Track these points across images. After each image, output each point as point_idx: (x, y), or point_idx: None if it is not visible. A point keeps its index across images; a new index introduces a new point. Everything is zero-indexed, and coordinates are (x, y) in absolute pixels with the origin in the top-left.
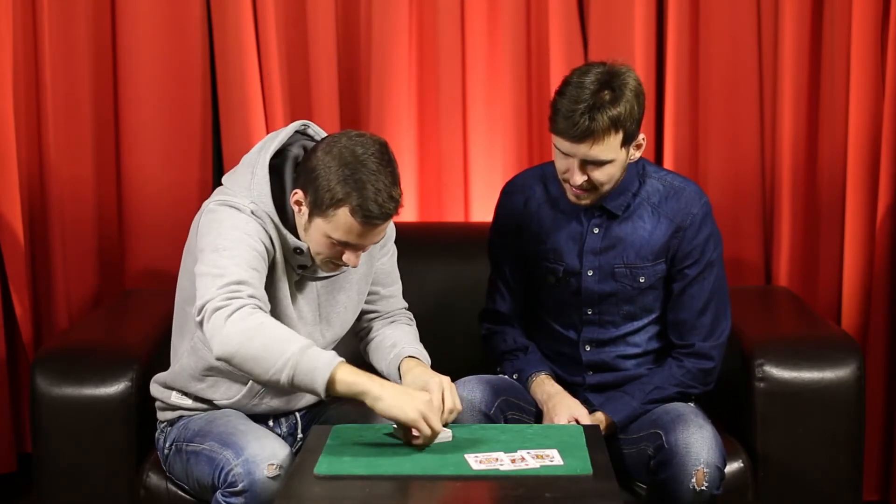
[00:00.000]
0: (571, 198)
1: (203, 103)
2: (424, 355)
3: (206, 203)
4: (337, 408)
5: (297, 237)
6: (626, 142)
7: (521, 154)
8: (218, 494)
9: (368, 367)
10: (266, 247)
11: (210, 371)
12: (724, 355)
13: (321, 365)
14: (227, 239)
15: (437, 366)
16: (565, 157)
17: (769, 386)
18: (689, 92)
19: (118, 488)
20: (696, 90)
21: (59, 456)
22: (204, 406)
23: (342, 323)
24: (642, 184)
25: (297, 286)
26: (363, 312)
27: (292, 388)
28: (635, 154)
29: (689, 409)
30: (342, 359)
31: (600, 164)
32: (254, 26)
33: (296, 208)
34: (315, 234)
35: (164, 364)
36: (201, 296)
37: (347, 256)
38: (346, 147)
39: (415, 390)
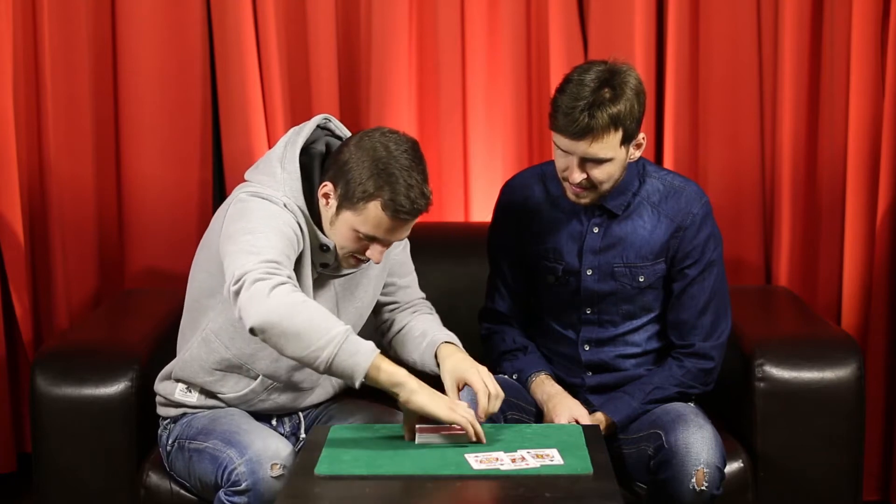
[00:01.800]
0: (571, 196)
1: (203, 103)
2: (457, 340)
3: (234, 193)
4: (339, 408)
5: (325, 234)
6: (626, 140)
7: (521, 154)
8: (221, 493)
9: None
10: (298, 238)
11: (220, 365)
12: (725, 355)
13: (364, 350)
14: (261, 223)
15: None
16: (565, 154)
17: (769, 386)
18: (689, 92)
19: (118, 488)
20: (696, 90)
21: (59, 456)
22: (208, 404)
23: (358, 318)
24: (642, 183)
25: (317, 283)
26: (382, 305)
27: (326, 371)
28: (635, 153)
29: (689, 409)
30: (376, 349)
31: (599, 162)
32: (254, 26)
33: (323, 201)
34: (342, 227)
35: (165, 363)
36: (238, 267)
37: (372, 251)
38: (379, 142)
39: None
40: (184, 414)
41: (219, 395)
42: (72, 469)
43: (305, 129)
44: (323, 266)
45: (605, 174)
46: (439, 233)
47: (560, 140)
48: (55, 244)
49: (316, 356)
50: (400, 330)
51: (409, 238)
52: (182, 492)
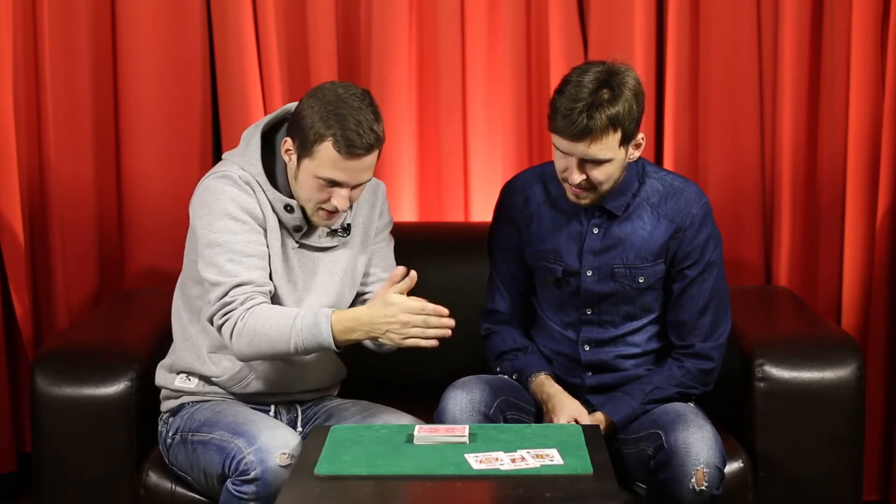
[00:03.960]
0: (571, 197)
1: (203, 103)
2: None
3: (205, 175)
4: (338, 407)
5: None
6: (625, 141)
7: (521, 154)
8: (228, 483)
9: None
10: (255, 218)
11: (212, 347)
12: (724, 355)
13: (321, 323)
14: (219, 231)
15: (437, 365)
16: (564, 155)
17: (769, 386)
18: (689, 92)
19: (118, 488)
20: (696, 90)
21: (59, 456)
22: (207, 390)
23: (337, 294)
24: (642, 184)
25: (297, 256)
26: (360, 294)
27: (306, 354)
28: (634, 153)
29: (689, 409)
30: (328, 311)
31: (599, 162)
32: (254, 26)
33: (286, 159)
34: (304, 178)
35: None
36: (207, 306)
37: (336, 198)
38: (328, 89)
39: (378, 308)
40: (182, 406)
41: (213, 379)
42: (72, 469)
43: (277, 111)
44: (297, 230)
45: (604, 175)
46: (439, 233)
47: (559, 141)
48: (55, 244)
49: (291, 351)
50: None
51: (409, 239)
52: (183, 490)
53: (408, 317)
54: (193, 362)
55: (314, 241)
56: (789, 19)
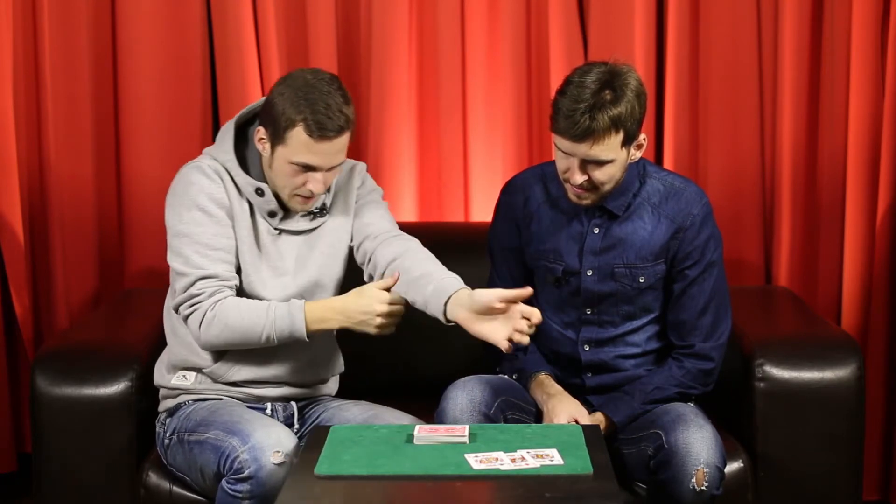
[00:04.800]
0: (572, 198)
1: (203, 103)
2: (460, 281)
3: None
4: (337, 408)
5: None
6: (627, 142)
7: (521, 154)
8: (223, 482)
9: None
10: (224, 205)
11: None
12: (725, 355)
13: (294, 314)
14: (185, 221)
15: (437, 365)
16: (566, 156)
17: (769, 386)
18: (689, 92)
19: (118, 488)
20: (696, 90)
21: (59, 456)
22: (204, 386)
23: (320, 273)
24: (643, 184)
25: (280, 242)
26: (357, 245)
27: (281, 343)
28: (636, 154)
29: (689, 409)
30: (302, 302)
31: (601, 163)
32: (254, 26)
33: (260, 148)
34: (279, 165)
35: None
36: (173, 296)
37: (312, 183)
38: (297, 76)
39: (352, 299)
40: (179, 406)
41: (203, 371)
42: (72, 469)
43: (251, 104)
44: (272, 215)
45: (606, 175)
46: (439, 233)
47: (561, 142)
48: (55, 244)
49: (262, 341)
50: (388, 265)
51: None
52: (182, 491)
53: (382, 307)
54: (187, 355)
55: (293, 225)
56: (789, 19)
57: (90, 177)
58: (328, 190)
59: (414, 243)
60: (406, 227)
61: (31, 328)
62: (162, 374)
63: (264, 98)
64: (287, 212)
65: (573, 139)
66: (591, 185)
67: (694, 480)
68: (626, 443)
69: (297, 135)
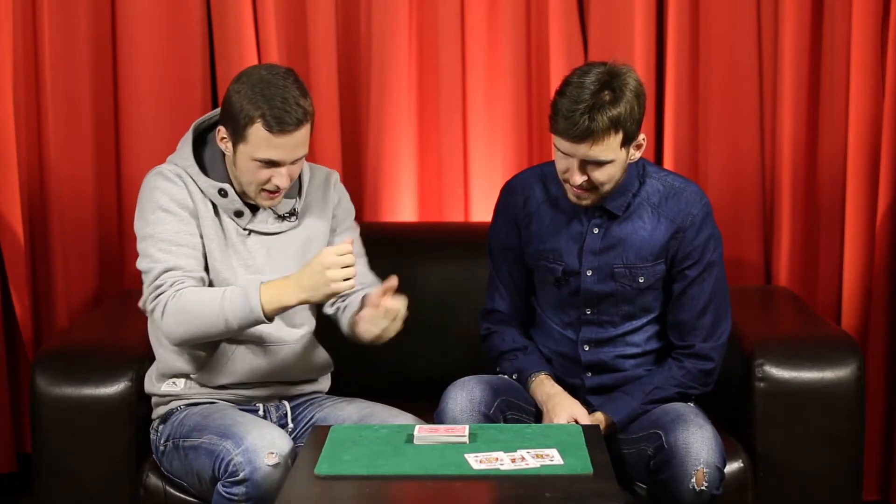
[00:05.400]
0: (572, 198)
1: (203, 103)
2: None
3: None
4: (331, 406)
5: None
6: (626, 142)
7: (521, 154)
8: (219, 486)
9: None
10: (187, 205)
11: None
12: (725, 355)
13: (250, 295)
14: (150, 223)
15: (437, 365)
16: (565, 157)
17: (769, 386)
18: (689, 92)
19: (118, 488)
20: (696, 90)
21: (59, 456)
22: (194, 391)
23: (289, 271)
24: (642, 184)
25: (249, 243)
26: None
27: (243, 331)
28: (635, 154)
29: (688, 409)
30: (258, 282)
31: (600, 164)
32: (254, 26)
33: (223, 147)
34: (242, 162)
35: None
36: (142, 295)
37: (277, 178)
38: (252, 73)
39: (305, 265)
40: (171, 412)
41: (191, 377)
42: (72, 469)
43: (211, 112)
44: (238, 215)
45: (606, 176)
46: (439, 233)
47: (560, 143)
48: (55, 244)
49: (222, 326)
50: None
51: (409, 239)
52: (181, 495)
53: (329, 258)
54: (174, 362)
55: (262, 227)
56: (789, 19)
57: (90, 177)
58: (299, 195)
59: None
60: (406, 227)
61: (31, 328)
62: (152, 383)
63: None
64: (254, 212)
65: (572, 140)
66: (591, 186)
67: (694, 480)
68: (625, 443)
69: (257, 131)
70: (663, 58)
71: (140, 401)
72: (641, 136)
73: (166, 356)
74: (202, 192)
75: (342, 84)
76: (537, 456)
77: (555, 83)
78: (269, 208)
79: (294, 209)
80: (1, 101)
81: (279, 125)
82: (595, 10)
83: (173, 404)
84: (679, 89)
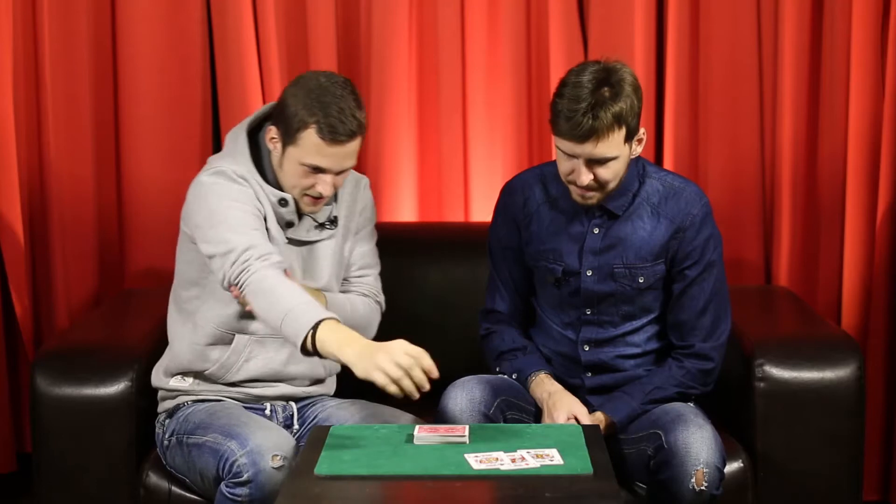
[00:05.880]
0: (577, 199)
1: (203, 103)
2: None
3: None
4: (335, 407)
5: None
6: (629, 137)
7: (521, 154)
8: (222, 486)
9: None
10: (256, 206)
11: (207, 340)
12: (725, 355)
13: (303, 325)
14: (219, 210)
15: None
16: (569, 158)
17: (769, 386)
18: (689, 92)
19: (118, 488)
20: (696, 90)
21: (59, 456)
22: (202, 388)
23: (325, 280)
24: (642, 184)
25: (286, 249)
26: (344, 280)
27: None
28: (637, 149)
29: (688, 409)
30: (328, 316)
31: (605, 161)
32: (254, 26)
33: (271, 147)
34: (289, 165)
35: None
36: (220, 276)
37: (321, 185)
38: (311, 78)
39: (382, 344)
40: (178, 407)
41: (206, 373)
42: (72, 469)
43: (261, 110)
44: (288, 225)
45: (611, 173)
46: (439, 233)
47: (564, 144)
48: (55, 244)
49: (275, 326)
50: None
51: (409, 239)
52: (181, 491)
53: (400, 355)
54: (188, 361)
55: (302, 234)
56: (789, 19)
57: (90, 177)
58: (335, 199)
59: (359, 300)
60: (406, 227)
61: (31, 328)
62: (160, 377)
63: (268, 105)
64: (298, 221)
65: (577, 140)
66: (597, 184)
67: (694, 480)
68: (625, 443)
69: (309, 136)
70: (663, 57)
71: (141, 399)
72: (642, 131)
73: (182, 354)
74: (267, 197)
75: None
76: (537, 456)
77: (555, 83)
78: (310, 216)
79: (334, 217)
80: (1, 101)
81: (332, 134)
82: (595, 10)
83: (180, 399)
84: (679, 89)
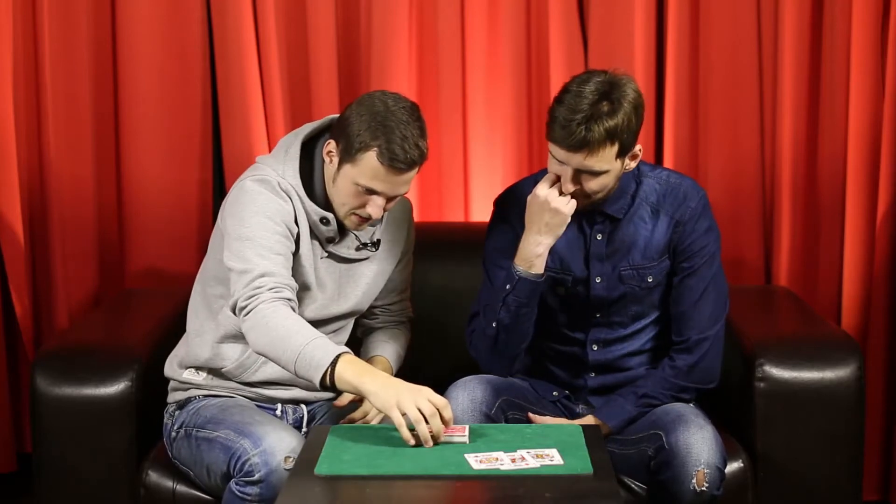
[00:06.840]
0: None
1: (203, 103)
2: (393, 358)
3: (242, 175)
4: (342, 408)
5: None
6: (622, 153)
7: (521, 154)
8: (232, 483)
9: None
10: (288, 226)
11: (225, 337)
12: (724, 355)
13: (320, 364)
14: (250, 226)
15: (437, 365)
16: (559, 164)
17: (769, 386)
18: (689, 92)
19: (118, 488)
20: (696, 90)
21: (59, 456)
22: (214, 383)
23: (356, 299)
24: (639, 184)
25: (323, 265)
26: (367, 311)
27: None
28: (630, 164)
29: (689, 409)
30: (343, 351)
31: (594, 174)
32: (254, 26)
33: (327, 160)
34: (343, 182)
35: (165, 364)
36: (232, 292)
37: (371, 206)
38: (378, 99)
39: (408, 384)
40: (189, 400)
41: (222, 370)
42: (72, 469)
43: (318, 122)
44: (329, 241)
45: (598, 185)
46: (439, 233)
47: (556, 150)
48: (55, 244)
49: (287, 366)
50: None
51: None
52: (184, 488)
53: (429, 407)
54: (205, 358)
55: (343, 251)
56: (789, 19)
57: (90, 177)
58: (380, 220)
59: (393, 332)
60: None
61: (31, 328)
62: (174, 368)
63: (328, 117)
64: (341, 237)
65: (568, 149)
66: (583, 194)
67: (694, 481)
68: (626, 443)
69: (369, 159)
70: (663, 58)
71: (140, 400)
72: (638, 147)
73: (201, 350)
74: (307, 213)
75: (342, 84)
76: (537, 456)
77: (555, 83)
78: (354, 234)
79: (377, 240)
80: (1, 101)
81: (392, 161)
82: (595, 10)
83: (192, 392)
84: (679, 89)
